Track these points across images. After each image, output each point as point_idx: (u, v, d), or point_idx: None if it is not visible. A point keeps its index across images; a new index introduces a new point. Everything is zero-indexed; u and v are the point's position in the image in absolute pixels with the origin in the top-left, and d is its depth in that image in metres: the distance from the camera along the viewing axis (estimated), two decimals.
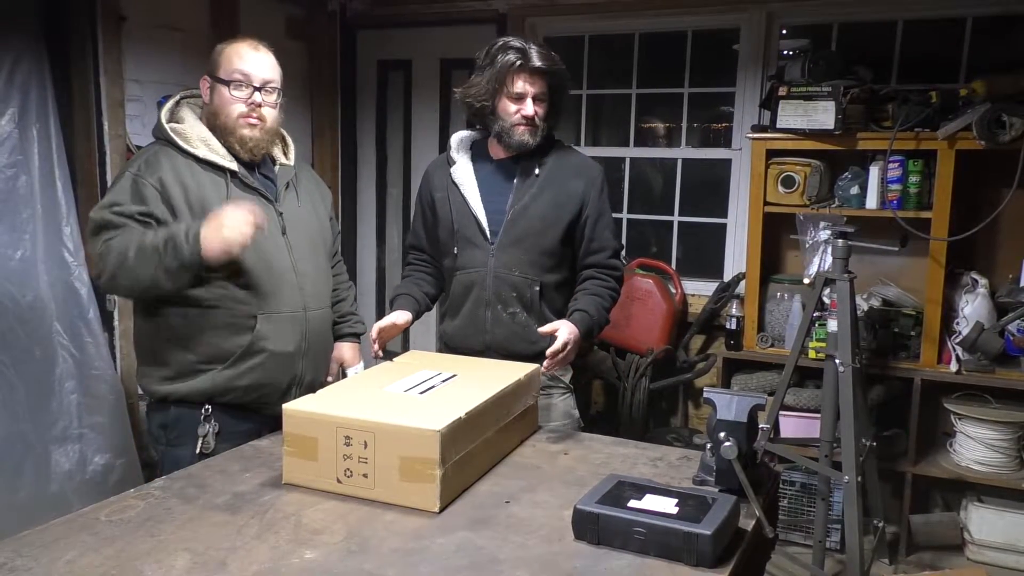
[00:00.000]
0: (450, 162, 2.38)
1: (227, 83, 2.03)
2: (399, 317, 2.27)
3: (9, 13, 2.88)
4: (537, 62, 2.21)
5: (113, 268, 1.92)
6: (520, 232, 2.27)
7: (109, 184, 2.06)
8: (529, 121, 2.24)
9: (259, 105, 2.06)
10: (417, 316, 2.40)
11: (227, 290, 2.00)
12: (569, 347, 2.09)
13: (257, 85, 2.05)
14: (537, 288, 2.28)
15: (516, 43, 2.23)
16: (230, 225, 1.87)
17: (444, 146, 4.44)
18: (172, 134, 2.03)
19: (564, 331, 2.10)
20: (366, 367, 2.25)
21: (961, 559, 3.21)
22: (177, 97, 2.15)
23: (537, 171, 2.30)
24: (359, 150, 4.63)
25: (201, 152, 2.02)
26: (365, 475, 1.64)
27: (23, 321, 2.90)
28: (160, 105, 3.35)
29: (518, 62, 2.20)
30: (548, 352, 2.06)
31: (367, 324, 2.42)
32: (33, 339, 2.93)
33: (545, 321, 2.29)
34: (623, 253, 3.98)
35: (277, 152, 2.21)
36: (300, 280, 2.12)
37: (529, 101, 2.23)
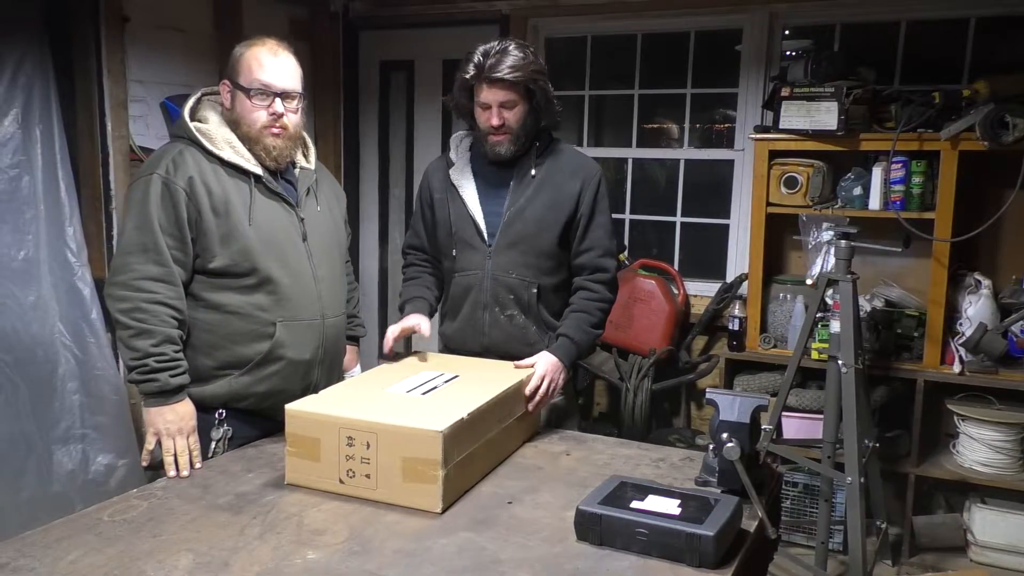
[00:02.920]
0: (449, 163, 2.37)
1: (248, 92, 1.98)
2: (418, 323, 2.26)
3: (13, 14, 2.89)
4: (493, 72, 2.14)
5: (121, 334, 1.91)
6: (516, 234, 2.25)
7: (131, 191, 1.96)
8: (497, 130, 2.20)
9: (281, 115, 2.01)
10: (431, 318, 2.39)
11: (250, 297, 1.98)
12: (550, 382, 2.09)
13: (278, 93, 2.00)
14: (535, 290, 2.26)
15: (478, 54, 2.18)
16: (171, 445, 1.88)
17: (447, 147, 4.48)
18: (197, 134, 1.97)
19: (541, 365, 2.10)
20: (362, 370, 2.26)
21: (964, 560, 3.20)
22: (199, 94, 2.08)
23: (534, 172, 2.28)
24: (361, 151, 4.64)
25: (226, 154, 1.97)
26: (367, 476, 1.64)
27: (26, 322, 2.90)
28: (164, 107, 3.37)
29: (474, 74, 2.17)
30: (527, 390, 2.03)
31: (368, 325, 2.42)
32: (36, 340, 2.93)
33: (543, 324, 2.28)
34: (625, 254, 3.99)
35: (298, 155, 2.15)
36: (319, 287, 2.09)
37: (495, 109, 2.18)
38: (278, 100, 1.99)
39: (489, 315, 2.28)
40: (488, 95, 2.18)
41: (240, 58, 2.00)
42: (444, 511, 1.60)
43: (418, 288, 2.42)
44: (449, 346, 2.40)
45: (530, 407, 2.04)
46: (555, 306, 2.32)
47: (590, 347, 2.30)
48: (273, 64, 2.00)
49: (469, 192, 2.30)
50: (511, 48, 2.18)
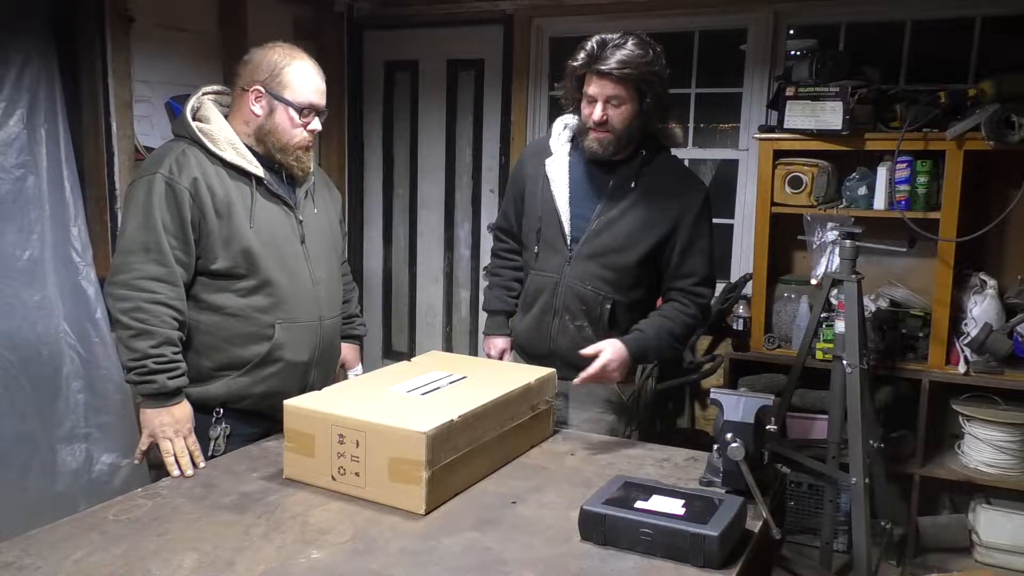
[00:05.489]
0: (547, 151, 2.25)
1: (297, 109, 1.98)
2: (500, 352, 2.32)
3: (18, 14, 2.89)
4: (603, 64, 2.02)
5: (121, 334, 1.90)
6: (601, 246, 2.16)
7: (133, 190, 1.95)
8: (599, 127, 2.09)
9: (317, 131, 2.05)
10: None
11: (249, 299, 1.98)
12: (608, 367, 2.03)
13: (320, 112, 2.03)
14: (609, 306, 2.17)
15: (593, 42, 2.07)
16: (169, 447, 1.87)
17: (451, 147, 4.50)
18: (200, 134, 1.96)
19: (607, 352, 2.04)
20: (364, 369, 2.27)
21: (969, 561, 3.20)
22: (200, 93, 2.07)
23: (633, 183, 2.16)
24: (366, 150, 4.64)
25: (229, 156, 1.95)
26: (356, 474, 1.64)
27: (31, 321, 2.91)
28: (168, 106, 3.38)
29: (583, 63, 2.07)
30: (585, 372, 2.01)
31: (372, 324, 2.42)
32: (41, 339, 2.93)
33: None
34: None
35: None
36: (316, 289, 2.09)
37: (599, 105, 2.07)
38: (317, 118, 2.03)
39: (558, 322, 2.22)
40: (595, 88, 2.07)
41: (283, 70, 1.97)
42: (427, 512, 1.59)
43: (498, 296, 2.39)
44: (517, 341, 2.35)
45: (576, 380, 2.02)
46: (627, 324, 2.20)
47: (660, 353, 2.19)
48: (320, 83, 2.03)
49: (560, 188, 2.20)
50: (629, 43, 2.05)
